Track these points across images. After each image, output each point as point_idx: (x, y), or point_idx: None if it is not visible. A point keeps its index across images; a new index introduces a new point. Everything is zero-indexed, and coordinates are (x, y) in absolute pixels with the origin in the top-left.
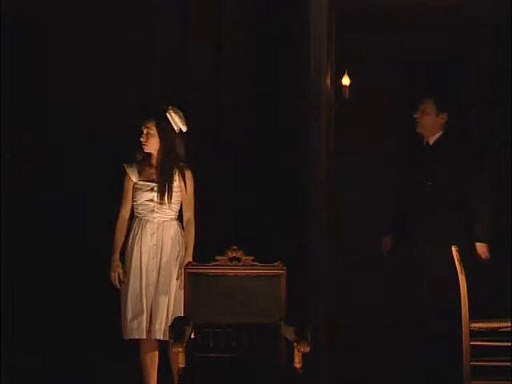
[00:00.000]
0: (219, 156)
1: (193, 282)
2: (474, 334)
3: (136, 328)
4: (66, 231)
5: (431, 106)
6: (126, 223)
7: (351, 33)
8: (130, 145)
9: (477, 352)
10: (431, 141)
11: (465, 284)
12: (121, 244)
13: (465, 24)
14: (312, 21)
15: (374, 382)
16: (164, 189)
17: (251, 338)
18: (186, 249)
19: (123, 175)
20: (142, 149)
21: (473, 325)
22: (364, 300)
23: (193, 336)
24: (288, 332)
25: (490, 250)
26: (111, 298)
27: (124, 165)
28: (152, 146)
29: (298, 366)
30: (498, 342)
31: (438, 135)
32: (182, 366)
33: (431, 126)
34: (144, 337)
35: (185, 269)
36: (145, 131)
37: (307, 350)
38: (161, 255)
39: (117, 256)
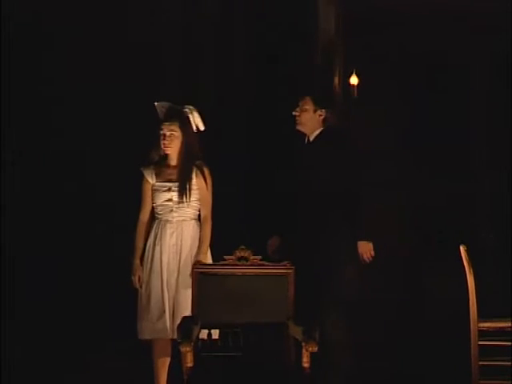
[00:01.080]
0: (225, 155)
1: (201, 282)
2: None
3: (161, 328)
4: (77, 232)
5: (309, 102)
6: (146, 226)
7: (359, 32)
8: (136, 146)
9: (484, 352)
10: (311, 138)
11: (473, 283)
12: (141, 247)
13: (471, 25)
14: (320, 20)
15: (381, 380)
16: (184, 188)
17: (259, 338)
18: (200, 246)
19: (141, 178)
20: (162, 150)
21: (481, 324)
22: (371, 300)
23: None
24: (296, 331)
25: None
26: (122, 299)
27: (141, 168)
28: (175, 147)
29: (305, 365)
30: (502, 341)
31: (317, 132)
32: (189, 365)
33: (310, 122)
34: (169, 337)
35: (193, 268)
36: (168, 133)
37: (315, 349)
38: (180, 255)
39: (137, 260)
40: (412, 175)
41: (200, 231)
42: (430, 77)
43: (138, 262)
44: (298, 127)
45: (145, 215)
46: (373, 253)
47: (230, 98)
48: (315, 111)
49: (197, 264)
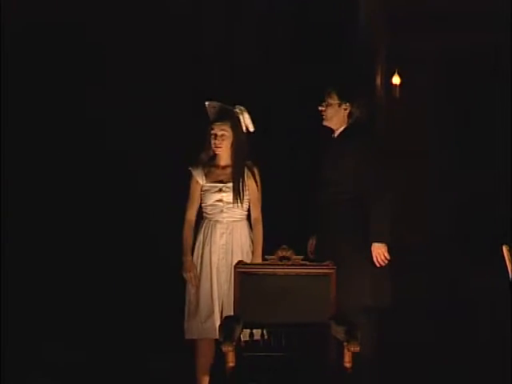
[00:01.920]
0: (266, 156)
1: (243, 281)
2: None
3: (209, 328)
4: (127, 231)
5: (333, 96)
6: (193, 225)
7: (402, 32)
8: (186, 146)
9: None
10: (336, 134)
11: None
12: (191, 244)
13: None
14: (363, 20)
15: (423, 380)
16: (238, 189)
17: (301, 337)
18: (254, 250)
19: (189, 178)
20: (212, 151)
21: None
22: (411, 300)
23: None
24: (338, 331)
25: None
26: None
27: (190, 168)
28: (225, 147)
29: (347, 365)
30: None
31: (342, 128)
32: (231, 365)
33: (335, 117)
34: (216, 336)
35: (235, 268)
36: (219, 133)
37: (357, 349)
38: (232, 255)
39: (189, 257)
40: (454, 174)
41: (251, 233)
42: (474, 77)
43: (190, 258)
44: (325, 122)
45: (192, 215)
46: (387, 255)
47: (274, 98)
48: (340, 105)
49: (239, 264)
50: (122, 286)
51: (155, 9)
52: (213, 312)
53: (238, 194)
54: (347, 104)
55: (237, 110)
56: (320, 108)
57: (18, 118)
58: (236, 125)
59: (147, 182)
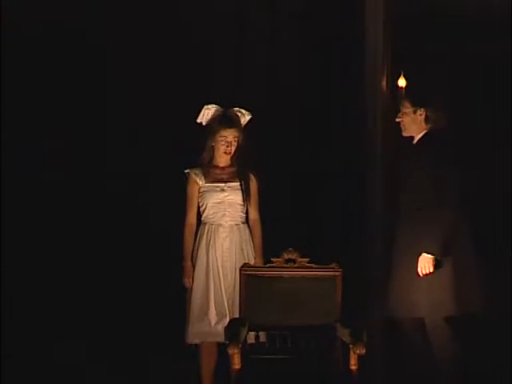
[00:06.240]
0: (274, 157)
1: (248, 284)
2: None
3: (221, 331)
4: (134, 232)
5: (407, 104)
6: (194, 228)
7: (407, 34)
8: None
9: None
10: (415, 140)
11: None
12: (191, 249)
13: None
14: (368, 22)
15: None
16: (247, 189)
17: (307, 340)
18: (255, 250)
19: (186, 181)
20: (217, 155)
21: None
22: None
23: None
24: (344, 333)
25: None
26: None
27: (187, 170)
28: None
29: (353, 367)
30: None
31: (421, 134)
32: (237, 367)
33: (413, 125)
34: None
35: (240, 270)
36: (232, 139)
37: (363, 351)
38: (235, 258)
39: (189, 262)
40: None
41: (251, 234)
42: (481, 79)
43: (189, 264)
44: (404, 133)
45: (193, 217)
46: (432, 269)
47: (280, 100)
48: (415, 112)
49: (244, 266)
50: (127, 288)
51: (161, 13)
52: (225, 316)
53: (246, 196)
54: (422, 109)
55: (241, 113)
56: (397, 120)
57: (19, 121)
58: (242, 129)
59: (148, 187)
